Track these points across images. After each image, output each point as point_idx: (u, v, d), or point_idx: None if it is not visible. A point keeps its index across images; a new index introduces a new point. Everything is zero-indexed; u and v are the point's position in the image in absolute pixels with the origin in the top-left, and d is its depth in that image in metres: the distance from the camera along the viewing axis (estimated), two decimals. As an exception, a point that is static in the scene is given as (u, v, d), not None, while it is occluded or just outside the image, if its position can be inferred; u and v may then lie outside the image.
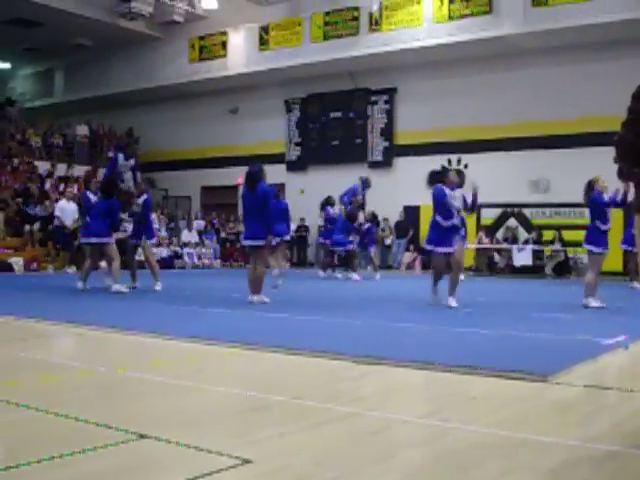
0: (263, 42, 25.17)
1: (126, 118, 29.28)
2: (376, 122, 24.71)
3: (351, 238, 17.52)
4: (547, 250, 20.90)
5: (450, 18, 21.44)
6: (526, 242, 21.21)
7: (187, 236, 24.42)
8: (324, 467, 3.03)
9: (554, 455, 3.23)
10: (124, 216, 13.07)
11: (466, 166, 21.97)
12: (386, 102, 24.55)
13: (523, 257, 20.76)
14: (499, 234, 22.16)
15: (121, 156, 13.38)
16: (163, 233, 23.13)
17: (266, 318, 8.77)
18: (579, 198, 10.78)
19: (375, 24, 22.81)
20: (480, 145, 21.85)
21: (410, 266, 22.85)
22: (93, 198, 13.87)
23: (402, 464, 3.15)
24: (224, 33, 26.23)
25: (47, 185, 23.29)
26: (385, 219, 23.74)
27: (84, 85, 29.38)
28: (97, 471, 2.95)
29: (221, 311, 9.57)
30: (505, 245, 21.61)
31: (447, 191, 10.16)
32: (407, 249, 23.42)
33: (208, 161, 27.79)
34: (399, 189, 23.30)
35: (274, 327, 8.03)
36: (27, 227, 20.59)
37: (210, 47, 26.58)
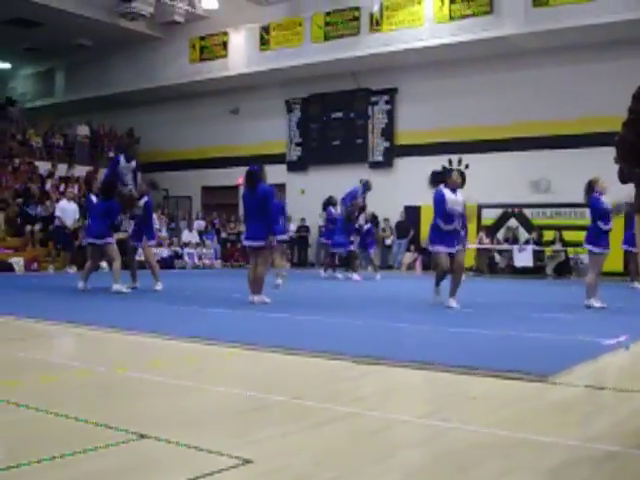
0: (264, 42, 25.19)
1: (127, 118, 29.31)
2: (377, 122, 24.72)
3: (352, 239, 17.56)
4: (548, 250, 20.90)
5: (451, 18, 21.44)
6: (527, 242, 21.21)
7: (188, 236, 24.42)
8: (324, 467, 3.03)
9: (554, 455, 3.23)
10: (124, 217, 13.09)
11: (467, 166, 21.97)
12: (387, 102, 24.56)
13: (524, 257, 20.75)
14: (500, 234, 22.16)
15: (122, 158, 13.38)
16: (164, 233, 23.14)
17: (267, 318, 8.77)
18: (580, 198, 10.79)
19: (376, 24, 22.81)
20: (481, 145, 21.86)
21: (411, 266, 22.85)
22: (95, 200, 13.91)
23: (402, 464, 3.15)
24: (225, 33, 26.24)
25: (48, 185, 23.30)
26: (386, 219, 23.75)
27: (85, 85, 29.40)
28: (97, 471, 2.95)
29: (222, 311, 9.57)
30: (506, 245, 21.61)
31: (448, 195, 10.07)
32: (408, 249, 23.42)
33: (209, 161, 27.80)
34: (400, 189, 23.31)
35: (274, 327, 8.03)
36: (28, 227, 20.59)
37: (211, 47, 26.59)
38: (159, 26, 26.85)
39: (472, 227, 19.97)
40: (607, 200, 10.36)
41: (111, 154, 27.27)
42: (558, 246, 20.57)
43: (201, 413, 4.03)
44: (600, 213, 10.28)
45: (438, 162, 22.27)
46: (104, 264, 15.05)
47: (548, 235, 21.03)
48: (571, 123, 20.47)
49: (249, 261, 11.01)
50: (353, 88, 24.97)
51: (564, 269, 20.42)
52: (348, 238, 17.44)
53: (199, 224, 25.56)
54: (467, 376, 5.04)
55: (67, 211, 19.38)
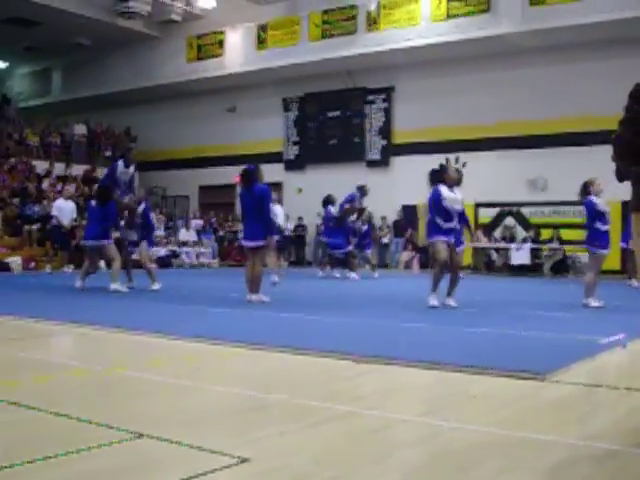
0: (261, 41, 25.18)
1: (124, 117, 29.28)
2: (374, 121, 24.72)
3: (350, 239, 17.61)
4: (545, 249, 20.91)
5: (448, 17, 21.44)
6: (524, 241, 21.21)
7: (185, 235, 24.42)
8: (323, 466, 3.04)
9: (553, 454, 3.23)
10: (126, 230, 13.18)
11: (464, 165, 21.92)
12: (384, 101, 24.57)
13: (521, 256, 20.76)
14: (497, 233, 22.18)
15: (121, 164, 13.37)
16: (161, 232, 23.12)
17: (264, 317, 8.77)
18: (577, 197, 10.79)
19: (373, 23, 22.81)
20: (478, 144, 21.84)
21: (408, 265, 22.85)
22: (93, 204, 13.95)
23: (401, 463, 3.16)
24: (222, 32, 26.23)
25: (45, 184, 23.27)
26: (383, 218, 23.75)
27: (82, 84, 29.37)
28: (96, 470, 2.95)
29: (220, 310, 9.56)
30: (503, 244, 21.62)
31: (446, 192, 9.98)
32: (405, 248, 23.42)
33: (206, 160, 27.78)
34: (397, 188, 23.30)
35: (272, 326, 8.03)
36: (25, 226, 20.57)
37: (208, 46, 26.58)
38: (156, 25, 26.84)
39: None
40: (603, 201, 10.37)
41: (108, 153, 27.34)
42: (555, 244, 20.59)
43: (200, 412, 4.03)
44: (594, 215, 10.28)
45: (435, 161, 22.01)
46: (102, 264, 15.06)
47: (545, 233, 21.05)
48: (568, 122, 20.49)
49: (247, 260, 10.98)
50: (350, 87, 24.97)
51: (561, 267, 20.43)
52: (346, 239, 17.49)
53: (196, 223, 25.56)
54: (466, 375, 5.05)
55: (64, 210, 19.34)
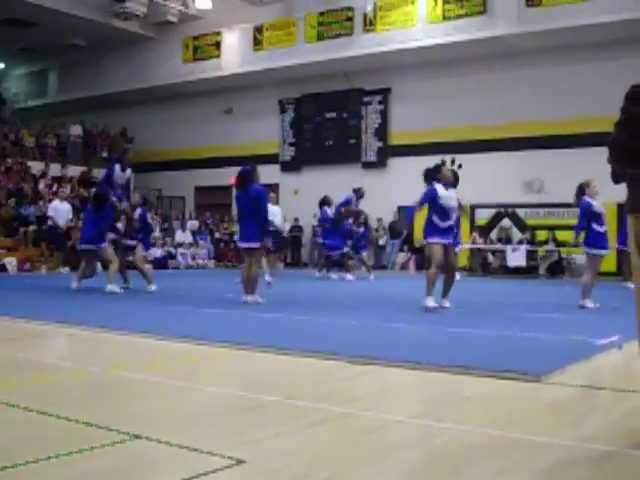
0: (257, 42, 25.17)
1: (120, 118, 29.25)
2: (370, 122, 24.72)
3: (346, 241, 17.65)
4: (541, 250, 20.93)
5: (444, 18, 21.45)
6: (520, 242, 21.23)
7: (181, 236, 24.40)
8: (318, 467, 3.03)
9: (549, 455, 3.23)
10: (125, 239, 13.22)
11: (460, 166, 21.92)
12: (380, 102, 24.57)
13: (517, 257, 20.77)
14: (493, 234, 22.18)
15: (117, 167, 13.34)
16: (157, 233, 23.09)
17: (260, 318, 8.77)
18: (573, 198, 10.79)
19: (369, 24, 22.82)
20: (474, 145, 21.83)
21: (404, 266, 22.86)
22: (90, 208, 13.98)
23: (396, 464, 3.16)
24: (218, 33, 26.22)
25: (41, 185, 23.25)
26: (379, 219, 23.75)
27: (78, 85, 29.34)
28: (92, 471, 2.95)
29: (215, 311, 9.56)
30: (499, 245, 21.63)
31: (441, 190, 9.98)
32: (401, 249, 23.43)
33: (202, 161, 27.76)
34: (393, 189, 23.29)
35: (268, 327, 8.03)
36: (21, 227, 20.55)
37: (204, 47, 26.57)
38: (152, 26, 26.82)
39: (465, 227, 20.03)
40: (598, 203, 10.38)
41: (104, 154, 27.32)
42: (551, 246, 20.60)
43: (195, 413, 4.03)
44: (590, 216, 10.28)
45: (432, 162, 21.99)
46: (98, 265, 15.06)
47: (541, 235, 21.06)
48: (565, 123, 20.51)
49: (242, 261, 10.98)
50: (346, 88, 24.97)
51: (557, 269, 20.45)
52: (342, 240, 17.51)
53: (192, 224, 25.54)
54: (461, 376, 5.05)
55: (60, 211, 19.33)
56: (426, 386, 5.00)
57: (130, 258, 13.45)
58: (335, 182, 21.71)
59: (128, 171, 13.48)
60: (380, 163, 24.42)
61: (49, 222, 19.41)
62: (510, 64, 21.50)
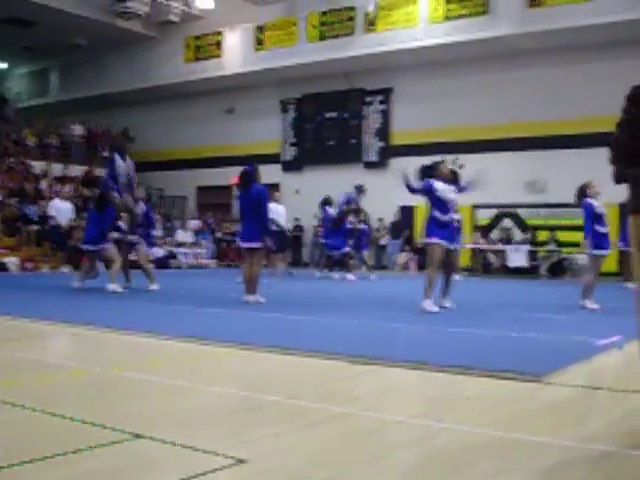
0: (259, 42, 25.19)
1: (122, 118, 29.28)
2: (371, 122, 24.73)
3: (347, 240, 17.66)
4: (542, 251, 20.93)
5: (446, 18, 21.46)
6: (521, 243, 21.22)
7: (182, 236, 24.42)
8: (319, 467, 3.04)
9: (548, 455, 3.23)
10: (128, 234, 13.22)
11: (461, 166, 21.93)
12: (381, 102, 24.58)
13: (518, 258, 20.78)
14: (494, 235, 22.19)
15: (117, 157, 13.28)
16: (159, 233, 23.09)
17: (261, 318, 8.78)
18: (574, 199, 10.78)
19: (371, 24, 22.83)
20: (476, 145, 21.84)
21: (405, 266, 22.86)
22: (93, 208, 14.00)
23: (396, 464, 3.16)
24: (220, 33, 26.24)
25: (43, 185, 23.27)
26: (380, 219, 23.75)
27: (80, 85, 29.36)
28: (92, 471, 2.95)
29: (217, 311, 9.57)
30: (500, 246, 21.63)
31: (438, 184, 9.88)
32: (402, 249, 23.42)
33: (204, 161, 27.78)
34: (394, 189, 23.13)
35: (269, 327, 8.04)
36: (24, 227, 20.59)
37: (206, 47, 26.58)
38: (154, 26, 26.84)
39: (467, 228, 20.07)
40: (600, 203, 10.38)
41: (106, 154, 27.30)
42: (552, 246, 20.60)
43: (196, 413, 4.03)
44: (593, 217, 10.28)
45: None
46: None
47: (542, 235, 21.06)
48: (566, 123, 20.50)
49: (244, 261, 10.98)
50: (347, 88, 24.98)
51: (558, 269, 20.45)
52: (343, 240, 17.52)
53: (194, 224, 25.57)
54: (461, 376, 5.06)
55: (62, 211, 19.36)
56: (426, 386, 5.01)
57: (134, 258, 13.46)
58: (336, 182, 21.69)
59: (129, 160, 13.35)
60: (381, 163, 24.42)
61: (51, 222, 19.42)
62: (512, 64, 21.50)
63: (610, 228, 10.78)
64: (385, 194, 22.88)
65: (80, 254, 15.04)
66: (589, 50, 20.09)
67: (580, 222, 11.24)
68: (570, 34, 19.49)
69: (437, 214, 9.71)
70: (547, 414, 4.15)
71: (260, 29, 25.18)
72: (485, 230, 22.03)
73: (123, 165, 13.14)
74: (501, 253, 21.52)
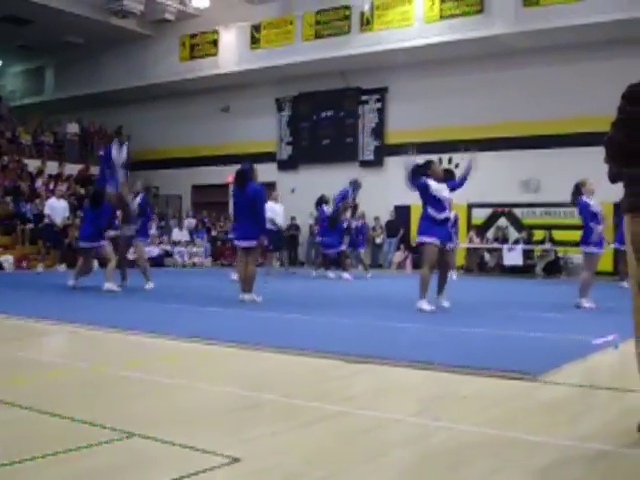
0: (254, 40, 25.15)
1: (117, 116, 29.17)
2: (367, 121, 24.73)
3: (342, 239, 17.64)
4: (537, 250, 20.95)
5: (441, 17, 21.45)
6: (516, 242, 21.24)
7: (178, 235, 24.40)
8: (314, 466, 3.04)
9: (544, 454, 3.24)
10: (123, 226, 13.16)
11: (457, 166, 21.97)
12: (377, 101, 24.57)
13: (513, 257, 20.79)
14: (489, 234, 22.20)
15: (114, 147, 13.14)
16: (154, 231, 23.08)
17: (257, 317, 8.77)
18: (569, 198, 10.79)
19: (366, 23, 22.82)
20: (471, 144, 21.80)
21: (401, 265, 22.87)
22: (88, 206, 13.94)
23: (392, 463, 3.16)
24: (215, 31, 26.19)
25: (38, 183, 23.23)
26: (376, 218, 23.75)
27: (75, 83, 29.29)
28: (90, 469, 2.95)
29: (212, 310, 9.56)
30: (495, 245, 21.64)
31: (432, 183, 9.85)
32: (398, 248, 23.44)
33: (199, 159, 27.75)
34: (390, 188, 23.24)
35: (265, 326, 8.03)
36: (18, 225, 20.56)
37: (201, 45, 26.54)
38: (150, 24, 26.79)
39: (462, 227, 20.07)
40: (595, 202, 10.39)
41: (101, 152, 27.18)
42: (548, 245, 20.63)
43: (192, 412, 4.03)
44: (589, 215, 10.29)
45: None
46: (95, 263, 15.05)
47: (538, 234, 21.08)
48: (561, 123, 20.52)
49: (239, 259, 10.96)
50: (343, 87, 24.97)
51: (553, 268, 20.47)
52: (338, 238, 17.50)
53: (189, 222, 25.53)
54: (457, 375, 5.06)
55: (56, 209, 19.31)
56: (423, 385, 5.01)
57: (132, 257, 13.43)
58: (332, 181, 21.65)
59: (124, 148, 13.23)
60: (377, 162, 24.41)
61: (46, 220, 19.39)
62: (507, 63, 21.50)
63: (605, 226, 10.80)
64: (381, 193, 22.90)
65: (75, 252, 14.99)
66: (584, 49, 20.10)
67: (576, 221, 11.27)
68: (565, 33, 19.50)
69: (432, 212, 9.68)
70: (543, 413, 4.15)
71: (256, 27, 25.14)
72: (481, 229, 22.03)
73: (118, 157, 13.03)
74: (496, 252, 21.54)
